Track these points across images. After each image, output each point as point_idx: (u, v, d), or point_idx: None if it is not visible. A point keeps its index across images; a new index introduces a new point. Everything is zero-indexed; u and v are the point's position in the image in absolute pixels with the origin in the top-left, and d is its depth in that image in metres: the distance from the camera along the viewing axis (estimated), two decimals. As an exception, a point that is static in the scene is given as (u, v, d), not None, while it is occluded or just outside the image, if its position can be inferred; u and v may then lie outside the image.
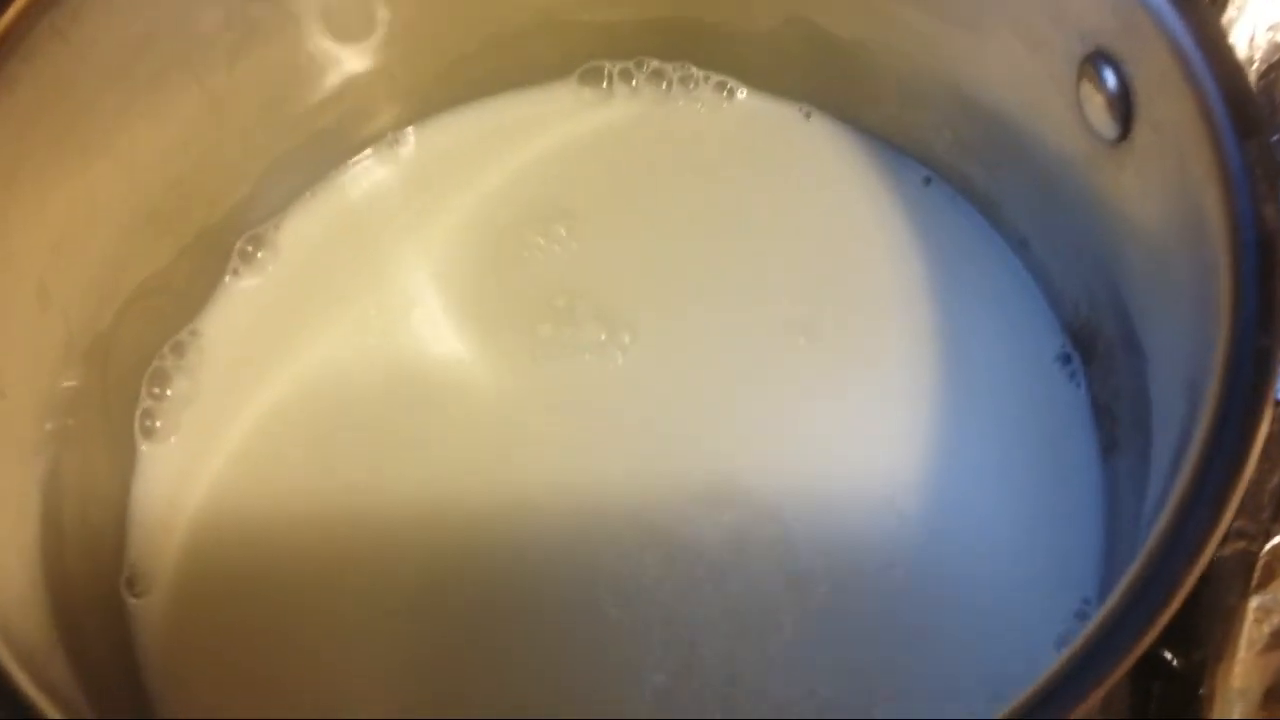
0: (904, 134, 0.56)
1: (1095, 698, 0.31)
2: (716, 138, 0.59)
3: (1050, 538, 0.49)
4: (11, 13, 0.42)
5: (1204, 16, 0.38)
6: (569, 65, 0.59)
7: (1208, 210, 0.37)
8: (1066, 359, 0.52)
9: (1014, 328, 0.53)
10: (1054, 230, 0.51)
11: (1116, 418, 0.48)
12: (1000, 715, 0.32)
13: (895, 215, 0.56)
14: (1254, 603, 0.48)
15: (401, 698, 0.48)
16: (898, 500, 0.50)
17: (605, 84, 0.59)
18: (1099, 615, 0.33)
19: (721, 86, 0.59)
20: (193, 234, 0.54)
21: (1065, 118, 0.46)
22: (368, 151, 0.59)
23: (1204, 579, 0.49)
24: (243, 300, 0.56)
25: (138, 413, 0.53)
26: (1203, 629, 0.48)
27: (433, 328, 0.55)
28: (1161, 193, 0.41)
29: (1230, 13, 0.61)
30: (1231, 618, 0.48)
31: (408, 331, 0.55)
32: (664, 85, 0.59)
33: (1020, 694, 0.32)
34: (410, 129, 0.59)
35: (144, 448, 0.53)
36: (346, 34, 0.54)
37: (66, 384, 0.48)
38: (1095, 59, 0.42)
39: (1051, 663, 0.32)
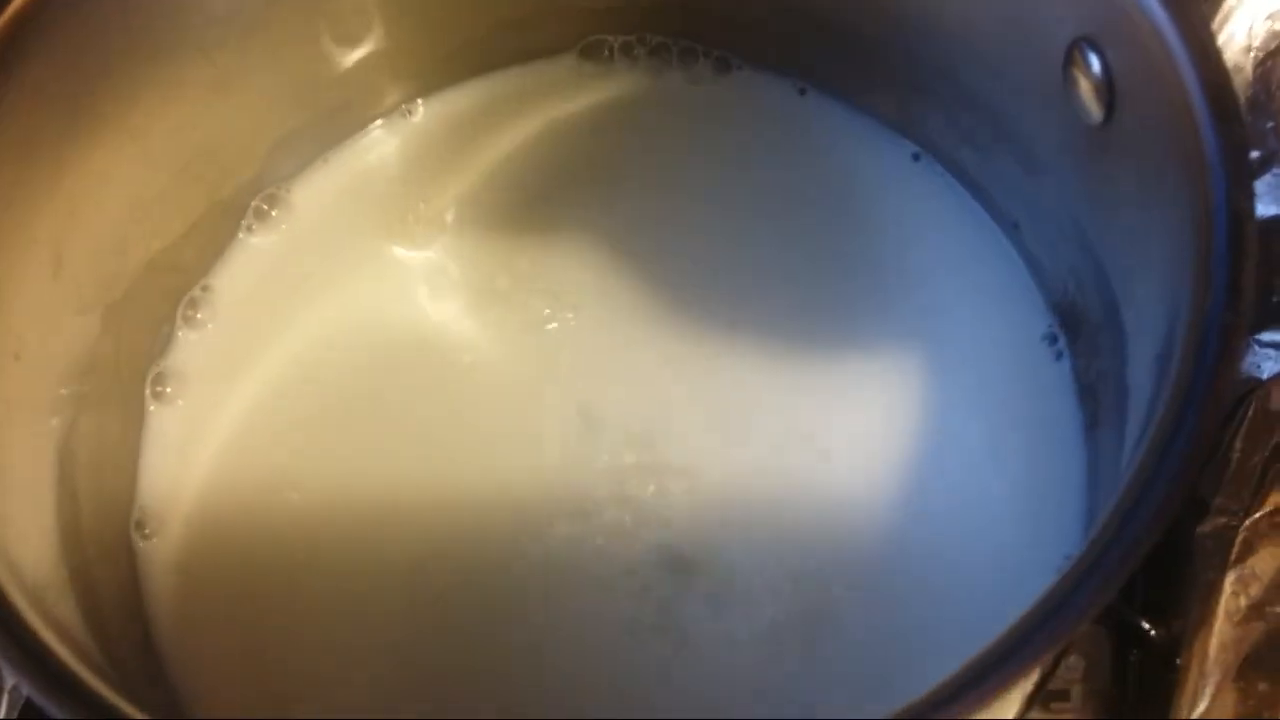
0: (897, 113, 0.57)
1: (1049, 655, 0.33)
2: (714, 112, 0.59)
3: (1037, 514, 0.50)
4: (28, -13, 0.43)
5: (1185, 4, 0.39)
6: (572, 42, 0.60)
7: (1183, 192, 0.38)
8: (1053, 338, 0.52)
9: (1001, 306, 0.53)
10: (1041, 211, 0.52)
11: (1099, 396, 0.49)
12: (960, 669, 0.33)
13: (885, 191, 0.56)
14: (1232, 576, 0.49)
15: (397, 650, 0.49)
16: (884, 476, 0.50)
17: (607, 58, 0.60)
18: (1060, 576, 0.34)
19: (721, 62, 0.60)
20: (203, 206, 0.54)
21: (1052, 101, 0.46)
22: (378, 122, 0.60)
23: (1185, 553, 0.50)
24: (255, 259, 0.57)
25: (149, 376, 0.54)
26: (1182, 601, 0.49)
27: (439, 292, 0.56)
28: (1141, 176, 0.42)
29: (1230, 2, 0.61)
30: (1210, 591, 0.49)
31: (415, 297, 0.56)
32: (665, 60, 0.60)
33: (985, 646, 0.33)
34: (419, 101, 0.60)
35: (153, 408, 0.54)
36: (355, 15, 0.55)
37: (80, 348, 0.49)
38: (1081, 44, 0.43)
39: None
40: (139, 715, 0.35)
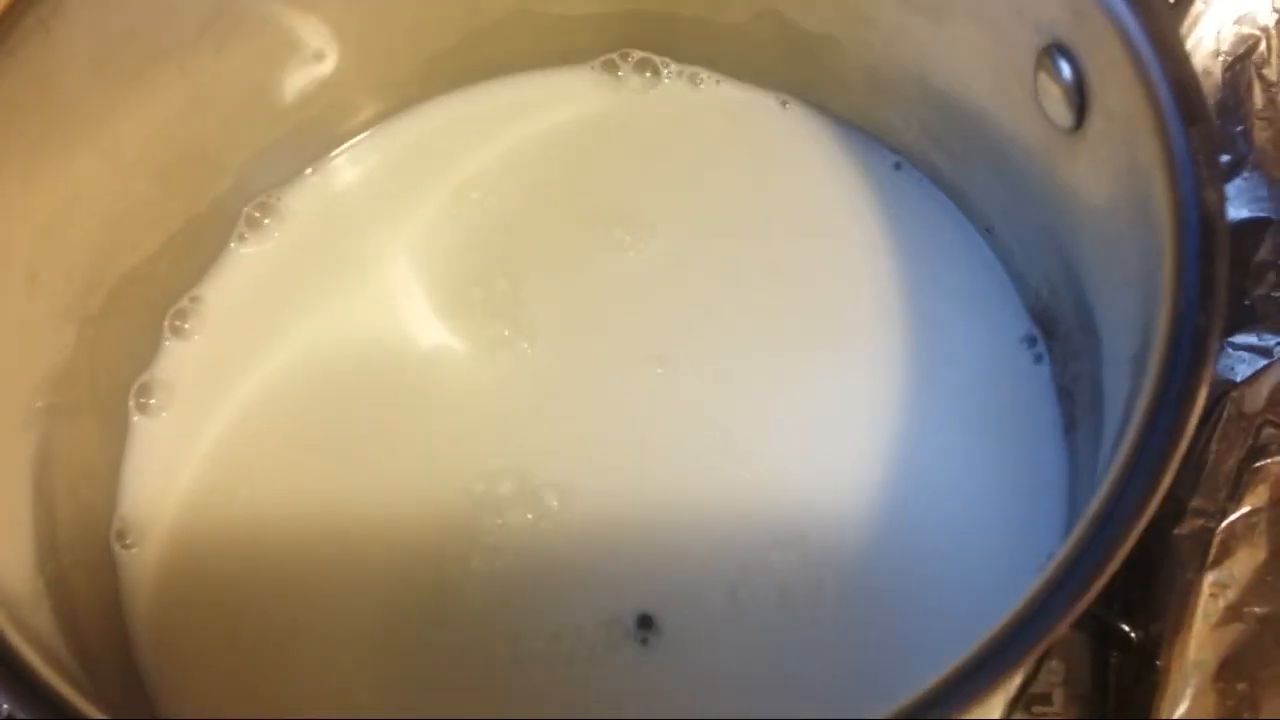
0: (874, 123, 0.57)
1: (1030, 658, 0.33)
2: (694, 125, 0.60)
3: (1016, 516, 0.50)
4: (-4, 7, 0.43)
5: (1153, 8, 0.39)
6: (549, 56, 0.60)
7: (1154, 195, 0.38)
8: (1031, 341, 0.52)
9: (980, 310, 0.54)
10: (1016, 216, 0.52)
11: (1075, 398, 0.49)
12: (943, 671, 0.33)
13: (866, 200, 0.57)
14: (1210, 578, 0.50)
15: (375, 662, 0.49)
16: (866, 480, 0.51)
17: (588, 71, 0.61)
18: (1041, 579, 0.34)
19: (700, 77, 0.60)
20: (180, 220, 0.54)
21: (1024, 107, 0.47)
22: (360, 135, 0.60)
23: (1162, 555, 0.50)
24: (245, 269, 0.57)
25: (133, 387, 0.54)
26: (1161, 603, 0.49)
27: (426, 307, 0.56)
28: (1113, 179, 0.42)
29: (1198, 5, 0.62)
30: (1188, 592, 0.49)
31: (403, 311, 0.56)
32: (644, 73, 0.60)
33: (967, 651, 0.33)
34: (392, 117, 0.60)
35: (136, 419, 0.54)
36: (326, 28, 0.55)
37: (57, 366, 0.49)
38: (1051, 50, 0.44)
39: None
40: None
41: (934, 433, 0.52)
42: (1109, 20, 0.40)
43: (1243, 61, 0.61)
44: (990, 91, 0.50)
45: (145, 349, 0.55)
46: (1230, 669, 0.48)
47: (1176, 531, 0.50)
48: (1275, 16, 0.61)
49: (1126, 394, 0.38)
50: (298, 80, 0.56)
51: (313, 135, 0.58)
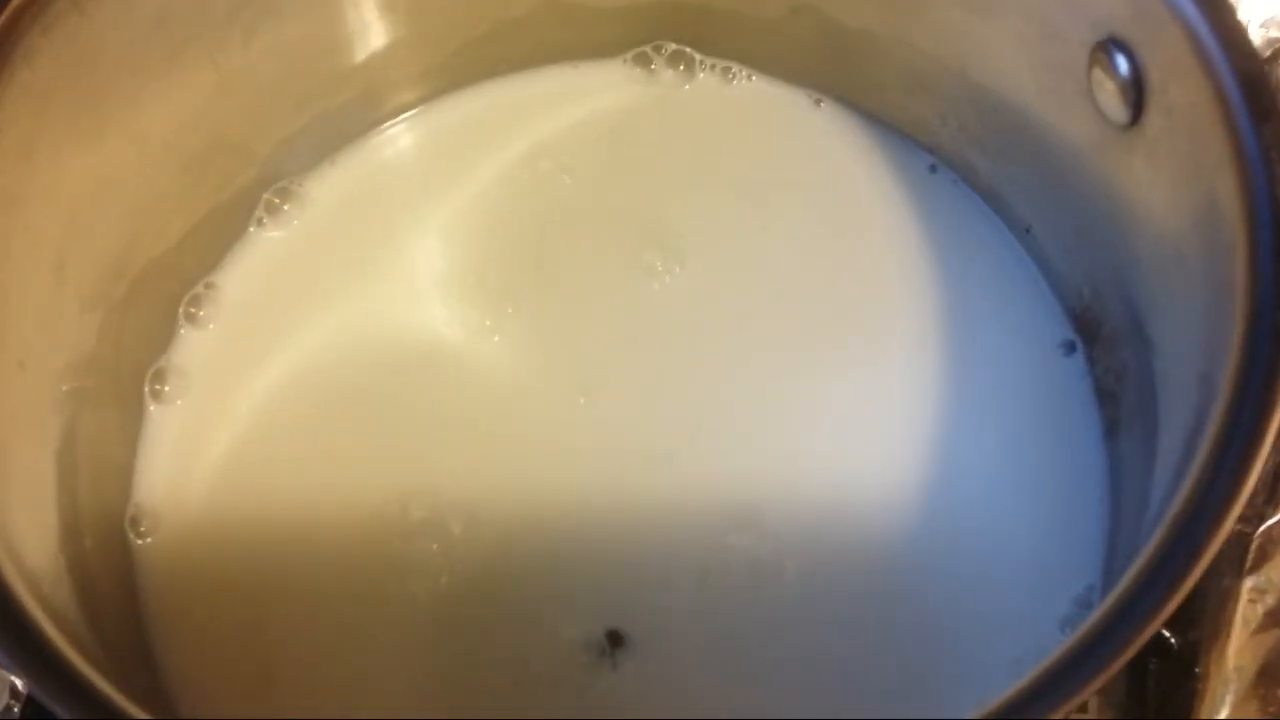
0: (910, 122, 0.57)
1: (1096, 686, 0.32)
2: (728, 122, 0.59)
3: (1054, 521, 0.49)
4: (34, -14, 0.42)
5: (1217, 2, 0.39)
6: (581, 48, 0.60)
7: (1221, 193, 0.37)
8: (1070, 344, 0.52)
9: (1017, 313, 0.53)
10: (1057, 217, 0.52)
11: (1119, 400, 0.49)
12: (999, 703, 0.32)
13: (900, 201, 0.56)
14: (1248, 584, 0.49)
15: (389, 648, 0.49)
16: (900, 484, 0.50)
17: (621, 65, 0.60)
18: (1108, 600, 0.33)
19: (733, 72, 0.60)
20: (206, 209, 0.54)
21: (1074, 104, 0.46)
22: (386, 124, 0.59)
23: (1201, 561, 0.50)
24: (262, 256, 0.57)
25: (148, 374, 0.53)
26: (1199, 609, 0.49)
27: (445, 296, 0.56)
28: (1172, 177, 0.42)
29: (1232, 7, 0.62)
30: (1227, 598, 0.49)
31: (423, 300, 0.56)
32: (679, 68, 0.60)
33: (1022, 681, 0.32)
34: (419, 108, 0.59)
35: (152, 407, 0.53)
36: (355, 16, 0.55)
37: (82, 352, 0.48)
38: (1107, 45, 0.43)
39: (1057, 646, 0.33)
40: (129, 705, 0.35)
41: (970, 434, 0.51)
42: (1172, 15, 0.39)
43: (1270, 65, 0.60)
44: (1036, 88, 0.49)
45: (162, 336, 0.54)
46: (1270, 675, 0.48)
47: (1214, 537, 0.50)
48: (1303, 20, 0.60)
49: (1193, 396, 0.37)
50: (325, 69, 0.55)
51: (338, 124, 0.58)
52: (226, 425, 0.53)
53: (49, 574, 0.42)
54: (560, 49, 0.59)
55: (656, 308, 0.55)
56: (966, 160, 0.56)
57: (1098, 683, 0.32)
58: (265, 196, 0.57)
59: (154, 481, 0.52)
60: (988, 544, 0.49)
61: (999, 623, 0.48)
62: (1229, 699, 0.48)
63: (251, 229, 0.56)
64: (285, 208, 0.57)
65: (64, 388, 0.47)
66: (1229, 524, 0.32)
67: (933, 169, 0.57)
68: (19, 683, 0.48)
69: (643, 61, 0.60)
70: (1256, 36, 0.61)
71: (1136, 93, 0.42)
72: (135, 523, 0.51)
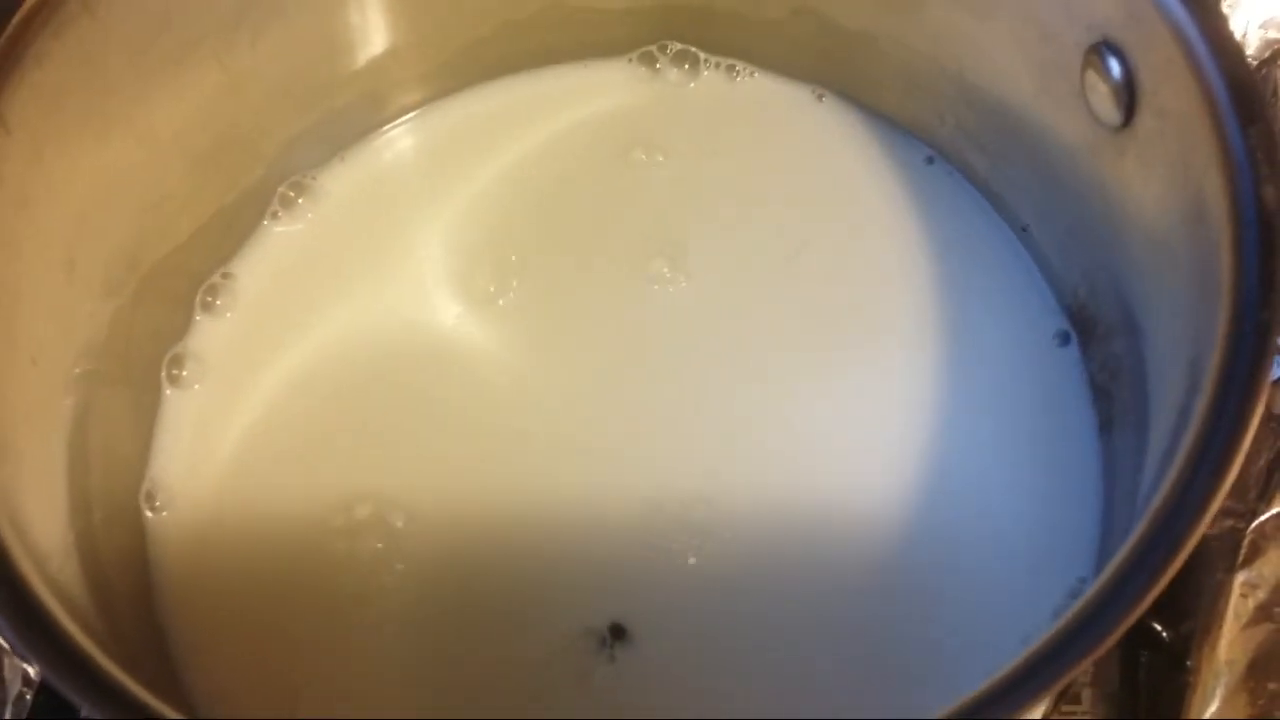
0: (908, 119, 0.57)
1: (1083, 668, 0.33)
2: (730, 118, 0.59)
3: (1048, 514, 0.50)
4: (44, -13, 0.43)
5: (1207, 7, 0.39)
6: (587, 48, 0.60)
7: (1209, 192, 0.38)
8: (1065, 338, 0.53)
9: (1013, 307, 0.54)
10: (1053, 215, 0.52)
11: (1113, 396, 0.49)
12: (985, 685, 0.33)
13: (899, 194, 0.57)
14: (1240, 578, 0.50)
15: (402, 633, 0.49)
16: (897, 478, 0.51)
17: (624, 64, 0.61)
18: (1095, 585, 0.34)
19: (737, 70, 0.60)
20: (213, 208, 0.54)
21: (1068, 105, 0.47)
22: (393, 123, 0.60)
23: (1193, 555, 0.50)
24: (277, 248, 0.57)
25: (165, 358, 0.54)
26: (1191, 603, 0.50)
27: (456, 291, 0.56)
28: (1162, 177, 0.42)
29: (1224, 9, 0.62)
30: (1219, 593, 0.50)
31: (436, 294, 0.56)
32: (684, 66, 0.60)
33: (1005, 667, 0.33)
34: (428, 106, 0.60)
35: (169, 391, 0.54)
36: (362, 15, 0.55)
37: (94, 340, 0.49)
38: (1101, 48, 0.43)
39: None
40: (135, 687, 0.35)
41: (966, 429, 0.52)
42: (1163, 19, 0.40)
43: (1269, 66, 0.61)
44: (1032, 89, 0.50)
45: (176, 326, 0.55)
46: (1260, 669, 0.48)
47: (1207, 531, 0.50)
48: (1302, 21, 0.61)
49: (1181, 394, 0.38)
50: (331, 68, 0.56)
51: (344, 124, 0.58)
52: (243, 410, 0.54)
53: (57, 551, 0.43)
54: (566, 49, 0.60)
55: (660, 305, 0.55)
56: (964, 157, 0.56)
57: (1079, 668, 0.32)
58: (280, 190, 0.57)
59: (170, 460, 0.53)
60: (983, 537, 0.50)
61: (994, 614, 0.48)
62: (1220, 692, 0.48)
63: (266, 221, 0.57)
64: (300, 201, 0.58)
65: (76, 371, 0.47)
66: (1211, 513, 0.33)
67: (930, 160, 0.57)
68: (32, 671, 0.49)
69: (648, 60, 0.60)
70: (1256, 38, 0.61)
71: (1129, 95, 0.43)
72: (150, 497, 0.52)
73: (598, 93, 0.60)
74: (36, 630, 0.36)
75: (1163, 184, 0.42)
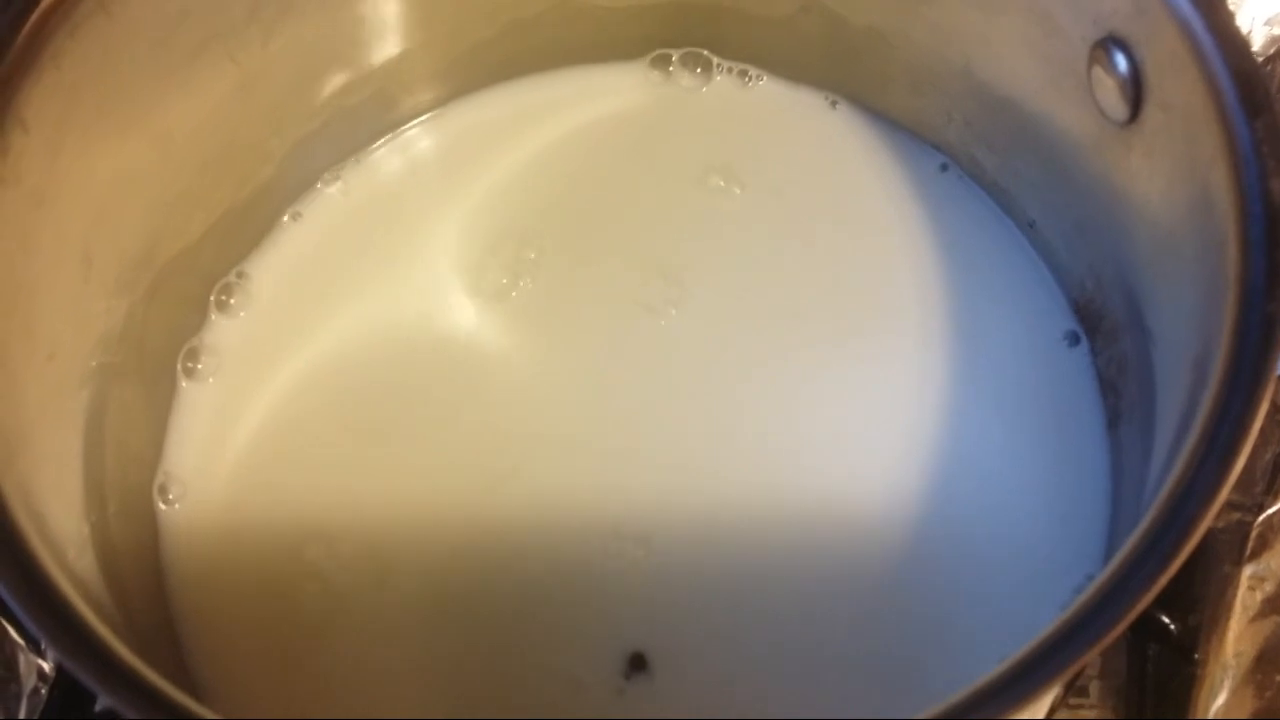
0: (917, 119, 0.57)
1: (1091, 656, 0.33)
2: (746, 123, 0.60)
3: (1057, 510, 0.50)
4: (61, -13, 0.43)
5: (1213, 1, 0.40)
6: (597, 51, 0.60)
7: (1215, 186, 0.38)
8: (1074, 336, 0.53)
9: (1022, 306, 0.54)
10: (1061, 211, 0.52)
11: (1121, 392, 0.49)
12: (995, 672, 0.33)
13: (911, 200, 0.57)
14: (1247, 571, 0.50)
15: (415, 631, 0.50)
16: (907, 476, 0.51)
17: (637, 67, 0.61)
18: (1103, 574, 0.34)
19: (750, 75, 0.60)
20: (223, 207, 0.54)
21: (1074, 100, 0.47)
22: (406, 125, 0.60)
23: (1200, 548, 0.50)
24: (292, 248, 0.58)
25: (181, 353, 0.55)
26: (1199, 596, 0.50)
27: (470, 294, 0.56)
28: (1169, 171, 0.42)
29: (1228, 6, 0.62)
30: (1226, 585, 0.50)
31: (450, 296, 0.56)
32: (694, 70, 0.61)
33: (1012, 657, 0.33)
34: (439, 108, 0.60)
35: (184, 384, 0.55)
36: (371, 16, 0.55)
37: (109, 334, 0.49)
38: (1107, 43, 0.44)
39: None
40: (153, 675, 0.35)
41: (975, 427, 0.52)
42: (1169, 13, 0.40)
43: (1274, 62, 0.61)
44: (1038, 84, 0.50)
45: (190, 322, 0.55)
46: (1267, 661, 0.49)
47: (1214, 525, 0.51)
48: (1307, 17, 0.61)
49: (1187, 384, 0.38)
50: (342, 69, 0.56)
51: (357, 124, 0.59)
52: (257, 404, 0.54)
53: (73, 542, 0.43)
54: (577, 50, 0.60)
55: (672, 307, 0.55)
56: (972, 156, 0.56)
57: (1088, 656, 0.32)
58: (294, 190, 0.58)
59: (185, 453, 0.53)
60: (992, 533, 0.50)
61: (1002, 610, 0.49)
62: (1227, 684, 0.49)
63: (285, 219, 0.58)
64: (313, 202, 0.58)
65: (92, 364, 0.48)
66: (1218, 503, 0.33)
67: (944, 168, 0.57)
68: (47, 666, 0.50)
69: (661, 64, 0.61)
70: (1261, 34, 0.61)
71: (1135, 90, 0.43)
72: (164, 490, 0.52)
73: (611, 96, 0.60)
74: (56, 619, 0.36)
75: (1169, 178, 0.42)
